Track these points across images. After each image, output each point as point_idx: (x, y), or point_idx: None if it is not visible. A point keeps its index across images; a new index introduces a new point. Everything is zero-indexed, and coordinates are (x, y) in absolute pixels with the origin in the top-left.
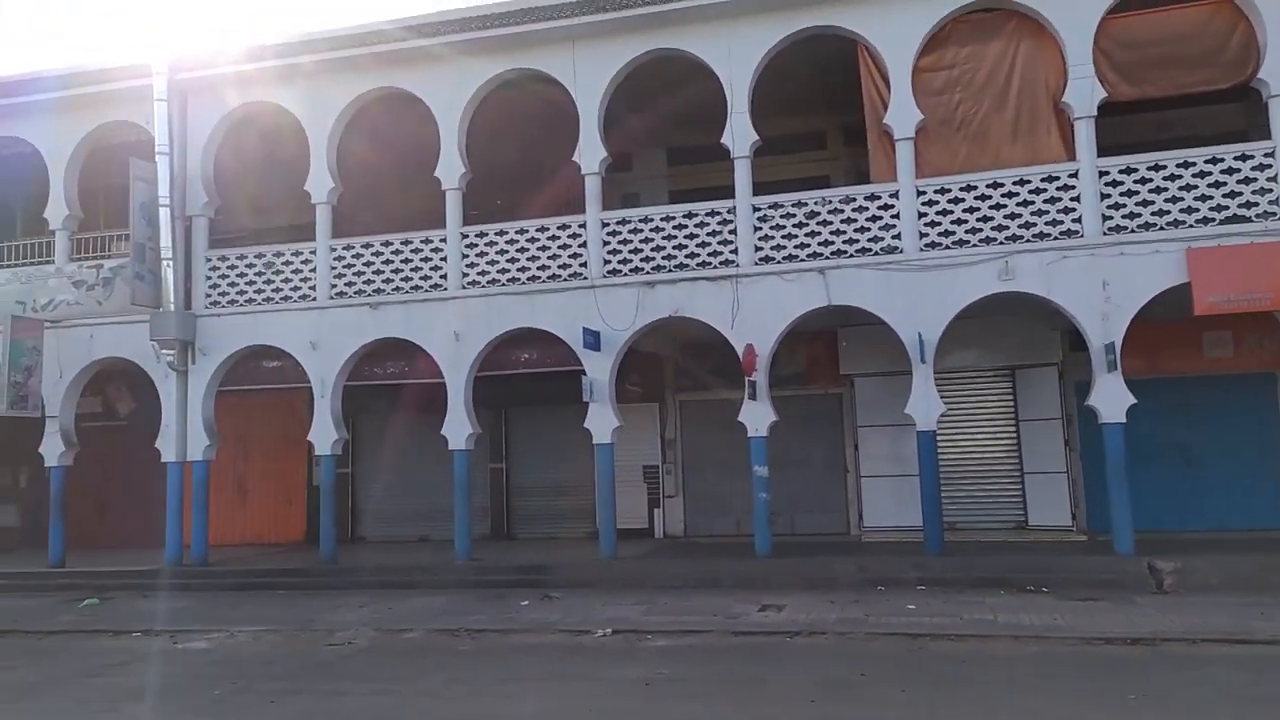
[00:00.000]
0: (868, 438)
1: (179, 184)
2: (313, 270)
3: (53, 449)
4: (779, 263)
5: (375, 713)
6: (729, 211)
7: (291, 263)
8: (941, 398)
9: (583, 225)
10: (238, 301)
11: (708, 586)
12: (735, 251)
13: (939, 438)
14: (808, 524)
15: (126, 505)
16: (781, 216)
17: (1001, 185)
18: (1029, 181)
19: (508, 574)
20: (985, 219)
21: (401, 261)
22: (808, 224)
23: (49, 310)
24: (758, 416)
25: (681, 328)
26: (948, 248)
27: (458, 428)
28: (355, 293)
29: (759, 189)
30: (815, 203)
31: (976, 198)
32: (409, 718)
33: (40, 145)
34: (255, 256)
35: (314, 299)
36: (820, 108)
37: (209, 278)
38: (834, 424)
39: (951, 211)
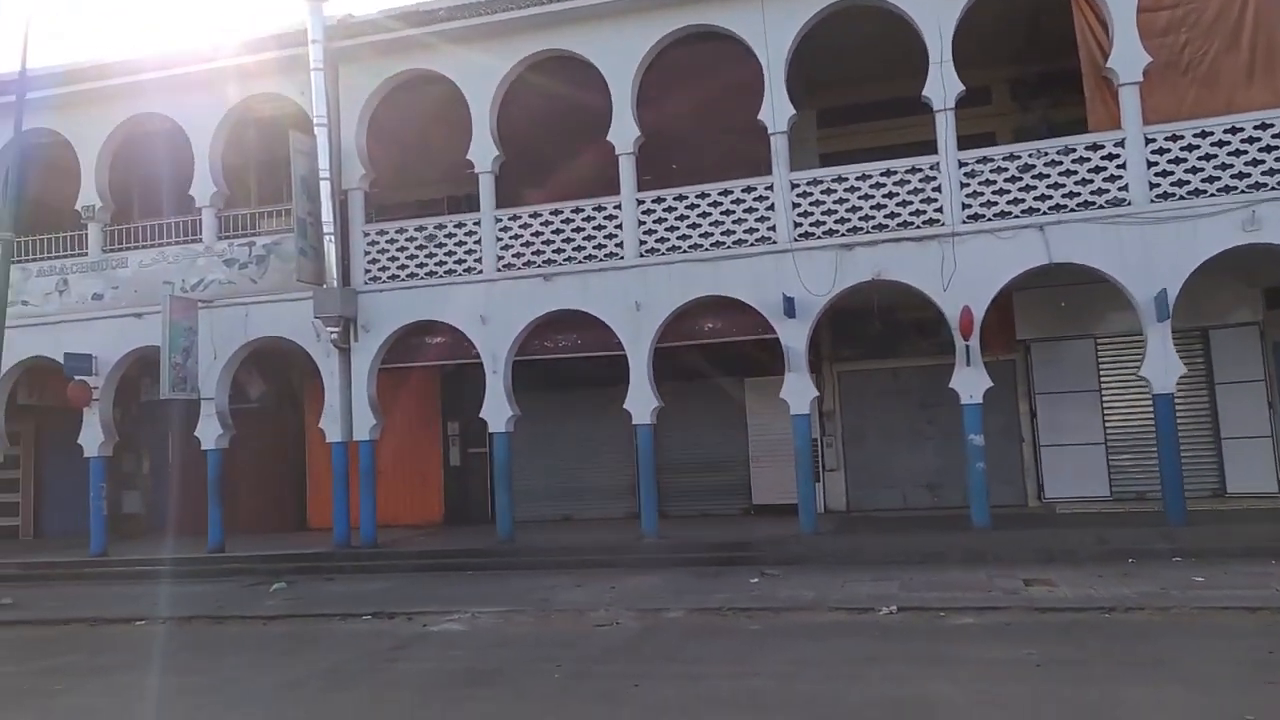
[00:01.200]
0: (1047, 405)
1: (335, 157)
2: (477, 242)
3: (209, 432)
4: (990, 220)
5: (758, 695)
6: (931, 168)
7: (455, 235)
8: (1118, 364)
9: (769, 187)
10: (399, 276)
11: (934, 561)
12: (940, 210)
13: (1124, 403)
14: None
15: (257, 489)
16: (991, 171)
17: (1241, 130)
18: (1271, 125)
19: (704, 551)
20: (1224, 166)
21: (573, 231)
22: (1021, 178)
23: (200, 290)
24: (972, 382)
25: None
26: (1182, 198)
27: (641, 401)
28: (524, 264)
29: (918, 149)
30: (1030, 155)
31: (1213, 144)
32: (823, 700)
33: (183, 121)
34: (416, 229)
35: (480, 271)
36: (989, 62)
37: (367, 252)
38: (1008, 391)
39: (1185, 160)
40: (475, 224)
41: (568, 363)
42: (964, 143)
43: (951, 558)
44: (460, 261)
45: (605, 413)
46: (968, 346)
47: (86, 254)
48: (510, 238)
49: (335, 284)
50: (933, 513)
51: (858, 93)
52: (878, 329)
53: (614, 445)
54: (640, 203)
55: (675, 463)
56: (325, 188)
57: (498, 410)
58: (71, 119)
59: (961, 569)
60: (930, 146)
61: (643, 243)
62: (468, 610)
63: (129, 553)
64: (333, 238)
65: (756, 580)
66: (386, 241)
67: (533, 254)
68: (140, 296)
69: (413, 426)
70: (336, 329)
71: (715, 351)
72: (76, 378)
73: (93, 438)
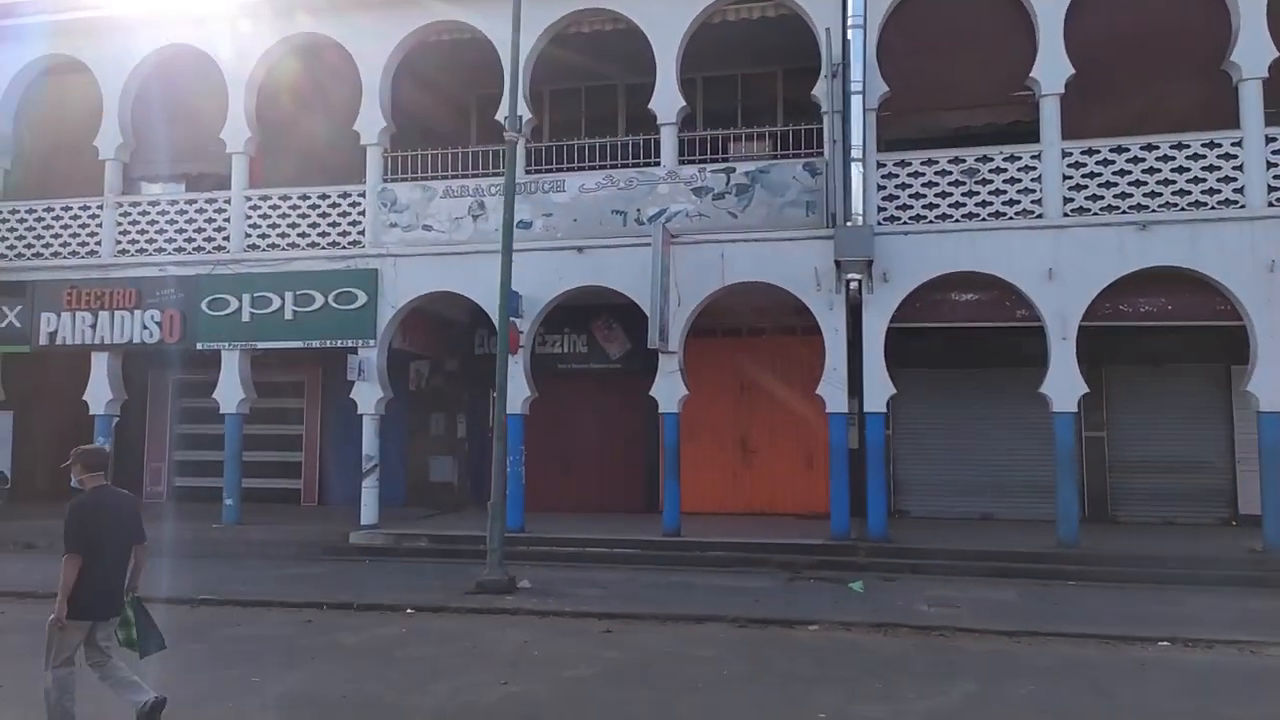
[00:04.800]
0: None
1: (867, 66)
2: (1036, 180)
3: (671, 393)
4: None
5: None
6: None
7: (1005, 170)
8: None
9: None
10: (924, 217)
11: None
12: None
13: None
14: None
15: (600, 462)
16: None
17: None
18: None
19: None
20: None
21: (1173, 170)
22: None
23: (659, 221)
24: None
25: None
26: None
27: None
28: (1103, 208)
29: None
30: None
31: None
32: None
33: (642, 23)
34: (949, 162)
35: (1039, 215)
36: None
37: (882, 187)
38: None
39: None
40: (1034, 157)
41: (999, 334)
42: None
43: None
44: (1011, 203)
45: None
46: None
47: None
48: (1083, 176)
49: (862, 221)
50: None
51: None
52: None
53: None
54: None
55: (1129, 461)
56: (856, 103)
57: (1065, 387)
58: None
59: None
60: None
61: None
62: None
63: (541, 529)
64: (860, 165)
65: None
66: (909, 175)
67: (1115, 196)
68: (579, 227)
69: (795, 399)
70: (859, 276)
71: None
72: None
73: (516, 391)
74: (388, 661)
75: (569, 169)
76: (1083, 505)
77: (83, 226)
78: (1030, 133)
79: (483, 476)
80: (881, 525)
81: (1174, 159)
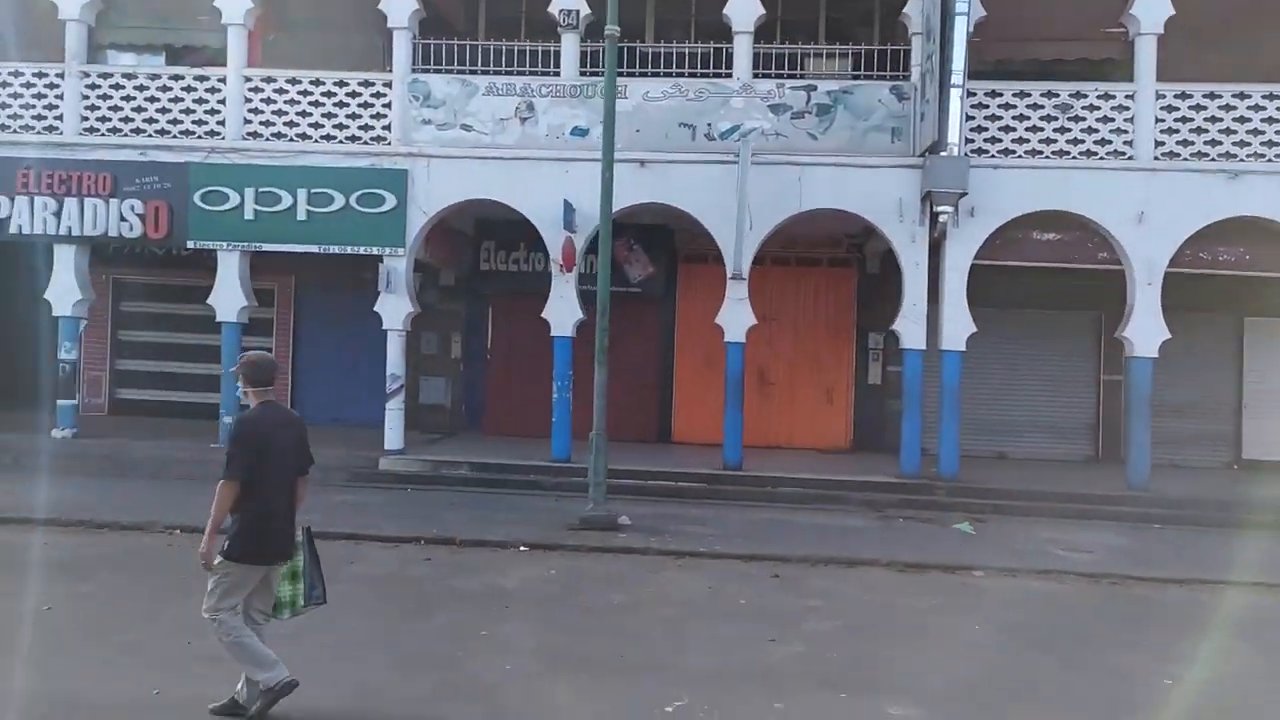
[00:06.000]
0: None
1: None
2: (1129, 119)
3: (737, 321)
4: None
5: None
6: None
7: (1099, 108)
8: None
9: None
10: (1013, 151)
11: None
12: None
13: None
14: None
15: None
16: None
17: None
18: None
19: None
20: None
21: (1263, 121)
22: None
23: (731, 138)
24: None
25: None
26: None
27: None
28: (1194, 154)
29: None
30: None
31: None
32: None
33: None
34: (1043, 95)
35: (1130, 156)
36: None
37: (971, 117)
38: None
39: None
40: (1128, 97)
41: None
42: None
43: None
44: (1103, 142)
45: (1067, 338)
46: None
47: (559, 74)
48: (1176, 119)
49: (956, 152)
50: None
51: None
52: None
53: (1074, 375)
54: None
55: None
56: (959, 27)
57: (1146, 331)
58: None
59: None
60: None
61: None
62: None
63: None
64: (960, 91)
65: None
66: (1000, 106)
67: (1205, 143)
68: (641, 139)
69: (817, 333)
70: (949, 209)
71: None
72: (565, 233)
73: (567, 312)
74: (583, 611)
75: (630, 74)
76: (1097, 447)
77: (38, 97)
78: (1118, 72)
79: (479, 400)
80: (954, 465)
81: (1265, 109)
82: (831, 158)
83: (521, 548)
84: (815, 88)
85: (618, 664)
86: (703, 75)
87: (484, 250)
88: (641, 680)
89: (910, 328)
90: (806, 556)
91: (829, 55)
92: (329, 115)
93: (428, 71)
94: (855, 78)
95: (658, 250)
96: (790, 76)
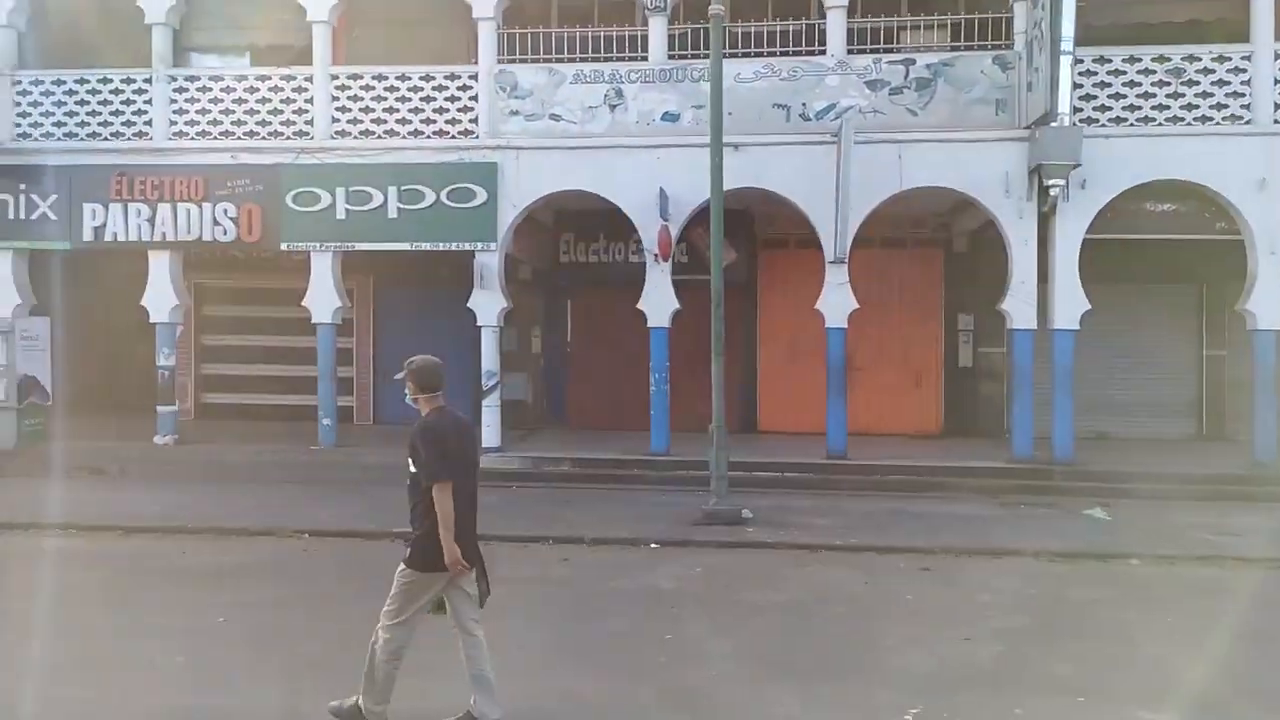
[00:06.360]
0: None
1: None
2: (1246, 83)
3: (838, 306)
4: None
5: None
6: None
7: (1214, 71)
8: None
9: None
10: (1124, 120)
11: None
12: None
13: None
14: None
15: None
16: None
17: None
18: None
19: None
20: None
21: None
22: None
23: (828, 118)
24: None
25: None
26: None
27: None
28: None
29: None
30: None
31: None
32: None
33: None
34: (1154, 60)
35: (1248, 121)
36: None
37: (1079, 85)
38: None
39: None
40: (1244, 58)
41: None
42: None
43: None
44: (1219, 107)
45: (1167, 313)
46: None
47: (646, 59)
48: None
49: (1066, 122)
50: None
51: None
52: None
53: (1175, 351)
54: None
55: (1239, 379)
56: None
57: (1271, 304)
58: None
59: None
60: None
61: None
62: None
63: (681, 453)
64: (1069, 59)
65: None
66: (1109, 73)
67: None
68: (734, 121)
69: (905, 315)
70: (1061, 182)
71: None
72: (660, 222)
73: (663, 302)
74: (752, 610)
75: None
76: (1200, 425)
77: (127, 103)
78: (1231, 33)
79: (562, 395)
80: (1069, 449)
81: None
82: (932, 133)
83: (652, 545)
84: (914, 61)
85: (824, 668)
86: (795, 54)
87: (563, 242)
88: (858, 686)
89: (1020, 307)
90: (949, 547)
91: (926, 26)
92: (416, 110)
93: (513, 62)
94: (954, 49)
95: (737, 236)
96: (886, 51)
